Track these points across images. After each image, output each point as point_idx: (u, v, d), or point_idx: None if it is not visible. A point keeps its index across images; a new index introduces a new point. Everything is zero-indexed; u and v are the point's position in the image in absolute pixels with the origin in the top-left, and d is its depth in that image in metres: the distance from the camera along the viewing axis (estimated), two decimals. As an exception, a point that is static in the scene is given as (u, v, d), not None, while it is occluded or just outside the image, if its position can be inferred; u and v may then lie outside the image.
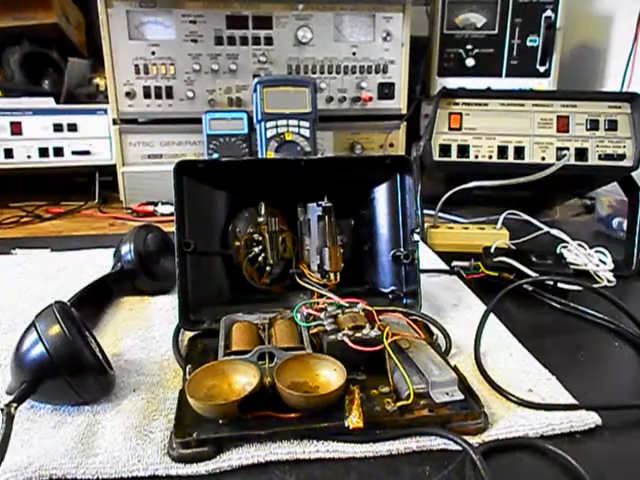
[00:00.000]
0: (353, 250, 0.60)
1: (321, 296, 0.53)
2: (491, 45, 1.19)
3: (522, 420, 0.40)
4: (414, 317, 0.54)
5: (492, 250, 0.71)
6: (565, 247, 0.75)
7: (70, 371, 0.39)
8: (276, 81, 1.02)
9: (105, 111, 1.09)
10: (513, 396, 0.43)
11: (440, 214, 0.88)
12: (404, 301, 0.57)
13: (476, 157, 0.80)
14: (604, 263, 0.72)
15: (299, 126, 1.01)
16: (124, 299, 0.63)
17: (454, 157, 0.80)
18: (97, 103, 1.11)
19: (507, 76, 1.20)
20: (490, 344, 0.52)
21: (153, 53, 1.04)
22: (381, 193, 0.59)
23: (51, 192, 1.17)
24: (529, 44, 1.18)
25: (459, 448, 0.37)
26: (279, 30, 1.07)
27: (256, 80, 1.01)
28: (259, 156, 1.01)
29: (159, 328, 0.56)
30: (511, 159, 0.79)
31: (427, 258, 0.76)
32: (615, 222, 0.91)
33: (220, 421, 0.38)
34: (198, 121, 1.05)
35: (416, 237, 0.57)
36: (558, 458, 0.37)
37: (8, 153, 1.06)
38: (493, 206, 0.89)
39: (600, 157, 0.78)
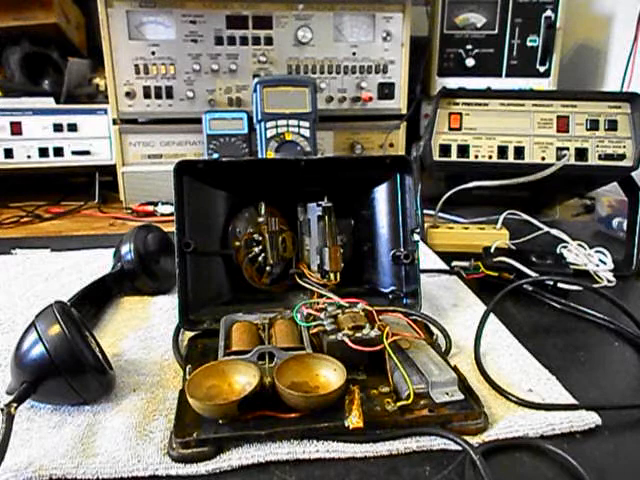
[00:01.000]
0: (353, 250, 0.60)
1: (321, 296, 0.53)
2: (491, 45, 1.18)
3: (522, 420, 0.40)
4: (414, 317, 0.54)
5: (492, 250, 0.71)
6: (565, 247, 0.75)
7: (70, 371, 0.39)
8: (276, 81, 1.01)
9: (105, 111, 1.09)
10: (513, 396, 0.43)
11: (440, 214, 0.88)
12: (404, 301, 0.57)
13: (476, 157, 0.80)
14: (604, 263, 0.72)
15: (299, 126, 1.01)
16: (124, 299, 0.63)
17: (454, 157, 0.80)
18: (97, 103, 1.11)
19: (507, 76, 1.20)
20: (490, 344, 0.52)
21: (153, 53, 1.04)
22: (381, 193, 0.59)
23: (51, 192, 1.17)
24: (529, 44, 1.18)
25: (459, 448, 0.37)
26: (279, 30, 1.07)
27: (256, 80, 1.01)
28: (259, 156, 1.01)
29: (159, 328, 0.56)
30: (511, 159, 0.79)
31: (427, 258, 0.76)
32: (615, 222, 0.91)
33: (220, 421, 0.38)
34: (198, 121, 1.05)
35: (416, 237, 0.57)
36: (558, 458, 0.37)
37: (8, 153, 1.06)
38: (493, 206, 0.89)
39: (600, 157, 0.78)
